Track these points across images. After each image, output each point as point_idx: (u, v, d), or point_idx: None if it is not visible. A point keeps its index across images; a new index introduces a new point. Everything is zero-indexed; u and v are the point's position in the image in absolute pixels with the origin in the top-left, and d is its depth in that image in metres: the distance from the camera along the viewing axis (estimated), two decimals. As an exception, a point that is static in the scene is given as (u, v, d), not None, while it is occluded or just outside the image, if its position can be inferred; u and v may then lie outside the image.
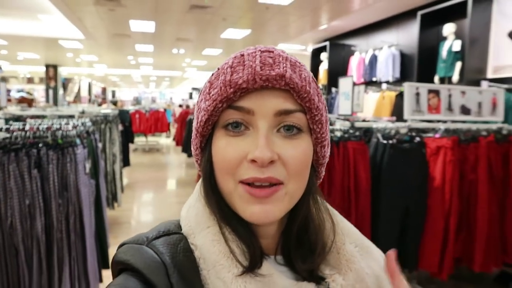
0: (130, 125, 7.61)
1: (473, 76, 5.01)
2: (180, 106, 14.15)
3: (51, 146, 1.90)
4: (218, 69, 0.53)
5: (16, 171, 1.79)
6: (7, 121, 2.60)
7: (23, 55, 13.57)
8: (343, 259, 0.56)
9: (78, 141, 2.02)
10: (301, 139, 0.52)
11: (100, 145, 2.77)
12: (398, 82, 6.49)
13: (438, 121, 2.94)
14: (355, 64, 7.63)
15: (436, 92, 2.97)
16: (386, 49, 6.81)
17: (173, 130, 14.16)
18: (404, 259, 2.56)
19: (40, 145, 1.89)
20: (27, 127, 1.96)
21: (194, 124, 0.56)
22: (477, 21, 4.96)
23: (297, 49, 10.49)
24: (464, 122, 3.01)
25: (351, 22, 7.66)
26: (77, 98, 20.68)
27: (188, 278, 0.48)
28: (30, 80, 22.21)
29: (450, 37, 5.37)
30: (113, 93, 30.27)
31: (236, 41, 9.74)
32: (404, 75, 6.56)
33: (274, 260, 0.55)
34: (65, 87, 18.70)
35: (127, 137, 6.71)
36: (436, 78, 5.54)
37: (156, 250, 0.49)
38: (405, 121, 2.81)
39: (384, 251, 0.56)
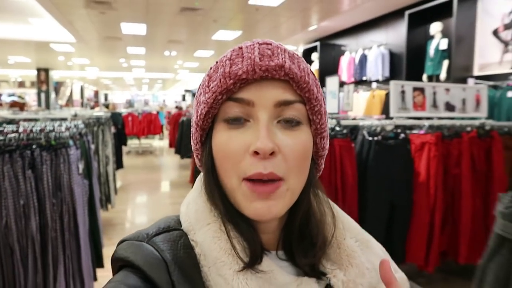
0: (123, 127, 7.63)
1: (460, 74, 5.11)
2: (177, 107, 14.14)
3: (45, 148, 1.95)
4: (217, 62, 0.54)
5: (10, 172, 1.84)
6: (0, 124, 2.64)
7: (14, 58, 13.49)
8: (344, 254, 0.56)
9: (71, 142, 2.07)
10: (301, 130, 0.52)
11: (93, 146, 2.81)
12: (388, 81, 6.57)
13: (428, 118, 3.02)
14: (345, 63, 7.72)
15: (421, 90, 3.05)
16: (376, 49, 6.90)
17: (166, 132, 14.18)
18: (391, 253, 2.60)
19: (34, 146, 1.93)
20: (20, 129, 2.01)
21: (194, 118, 0.56)
22: (462, 20, 5.06)
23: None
24: (452, 118, 3.09)
25: (340, 22, 7.75)
26: (69, 102, 20.61)
27: (189, 275, 0.48)
28: (21, 84, 22.08)
29: (437, 36, 5.47)
30: (106, 96, 30.19)
31: (227, 43, 9.79)
32: (394, 74, 6.65)
33: (276, 255, 0.55)
34: (56, 90, 18.62)
35: (120, 139, 6.73)
36: (424, 76, 5.64)
37: (157, 247, 0.49)
38: (392, 118, 2.89)
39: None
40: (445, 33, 5.39)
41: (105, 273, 2.66)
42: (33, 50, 11.43)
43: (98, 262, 2.52)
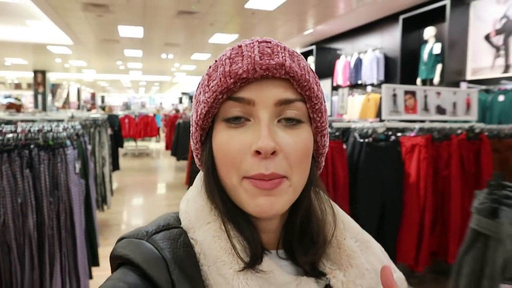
0: (120, 129, 7.66)
1: (453, 78, 5.18)
2: (176, 110, 14.16)
3: (43, 147, 1.99)
4: (216, 61, 0.53)
5: (8, 171, 1.88)
6: (-2, 124, 2.67)
7: (11, 60, 13.51)
8: (344, 254, 0.56)
9: (68, 142, 2.11)
10: (302, 129, 0.52)
11: (89, 147, 2.85)
12: (382, 84, 6.64)
13: (422, 121, 3.08)
14: (341, 67, 7.79)
15: (413, 93, 3.12)
16: (371, 52, 6.97)
17: (162, 134, 14.21)
18: (383, 253, 2.67)
19: (32, 146, 1.98)
20: (19, 130, 2.05)
21: (194, 117, 0.55)
22: (455, 25, 5.14)
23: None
24: (445, 121, 3.16)
25: (336, 26, 7.83)
26: (66, 104, 20.61)
27: (188, 274, 0.48)
28: (17, 86, 22.07)
29: (431, 40, 5.54)
30: (103, 98, 30.20)
31: (224, 46, 9.86)
32: (388, 78, 6.72)
33: (276, 254, 0.55)
34: (53, 93, 18.62)
35: (117, 141, 6.76)
36: (418, 80, 5.70)
37: (157, 245, 0.49)
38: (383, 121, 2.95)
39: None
40: (438, 38, 5.47)
41: (100, 273, 2.70)
42: (30, 52, 11.45)
43: (93, 260, 2.56)
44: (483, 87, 4.69)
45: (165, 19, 7.33)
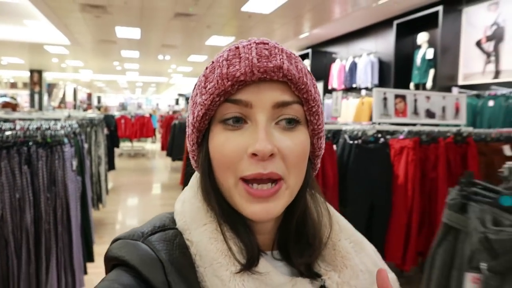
0: (116, 129, 7.70)
1: (445, 83, 5.28)
2: (174, 112, 14.17)
3: (41, 145, 2.06)
4: (213, 62, 0.53)
5: (7, 167, 1.94)
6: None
7: (7, 59, 13.52)
8: (339, 255, 0.56)
9: (66, 140, 2.17)
10: (299, 131, 0.51)
11: (86, 146, 2.91)
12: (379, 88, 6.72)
13: (414, 124, 3.16)
14: (336, 71, 7.88)
15: (403, 97, 3.20)
16: (365, 57, 7.06)
17: (158, 135, 14.25)
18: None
19: (30, 143, 2.04)
20: (17, 127, 2.11)
21: (190, 119, 0.55)
22: (447, 31, 5.24)
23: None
24: (437, 125, 3.24)
25: (332, 30, 7.92)
26: (62, 104, 20.60)
27: (185, 275, 0.48)
28: (13, 85, 22.03)
29: (424, 46, 5.64)
30: (99, 98, 30.16)
31: (221, 48, 9.90)
32: (382, 82, 6.81)
33: (271, 255, 0.55)
34: (49, 92, 18.62)
35: (113, 141, 6.81)
36: (412, 85, 5.80)
37: (153, 247, 0.49)
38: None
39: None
40: (431, 43, 5.57)
41: (96, 270, 2.75)
42: (27, 52, 11.47)
43: (88, 256, 2.62)
44: (474, 92, 4.78)
45: (162, 21, 7.40)
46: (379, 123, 3.02)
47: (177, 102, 21.44)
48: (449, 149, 2.82)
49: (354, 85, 7.33)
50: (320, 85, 3.91)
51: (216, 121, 0.51)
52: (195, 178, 0.58)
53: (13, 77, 20.43)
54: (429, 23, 5.54)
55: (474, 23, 5.12)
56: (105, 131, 5.20)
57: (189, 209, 0.54)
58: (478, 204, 1.16)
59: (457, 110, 3.43)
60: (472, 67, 5.16)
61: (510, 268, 1.04)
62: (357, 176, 2.63)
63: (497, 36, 4.81)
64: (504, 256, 1.04)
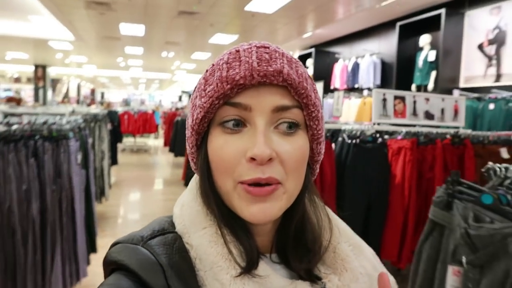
0: (119, 125, 7.78)
1: (447, 85, 5.32)
2: (176, 109, 14.24)
3: (47, 138, 2.12)
4: (213, 65, 0.52)
5: (14, 159, 2.00)
6: (5, 116, 2.80)
7: (12, 54, 13.59)
8: (339, 258, 0.56)
9: (71, 134, 2.24)
10: (298, 136, 0.51)
11: (90, 140, 2.98)
12: (379, 89, 6.75)
13: (413, 125, 3.20)
14: (338, 70, 7.91)
15: (402, 98, 3.25)
16: (368, 57, 7.09)
17: (161, 131, 14.31)
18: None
19: (37, 137, 2.11)
20: (24, 121, 2.18)
21: (189, 121, 0.55)
22: (450, 33, 5.27)
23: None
24: (437, 127, 3.28)
25: (335, 30, 7.95)
26: (66, 98, 20.69)
27: (185, 279, 0.47)
28: (17, 80, 22.15)
29: (426, 48, 5.67)
30: (102, 94, 30.26)
31: (224, 46, 9.97)
32: (385, 83, 6.84)
33: (270, 258, 0.55)
34: (53, 87, 18.71)
35: (116, 136, 6.89)
36: (413, 86, 5.83)
37: (153, 251, 0.48)
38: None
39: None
40: (433, 45, 5.60)
41: (98, 262, 2.82)
42: (32, 47, 11.54)
43: (91, 247, 2.69)
44: (476, 95, 4.82)
45: (166, 18, 7.45)
46: (378, 124, 3.08)
47: (180, 98, 21.50)
48: (446, 151, 2.87)
49: (356, 85, 7.36)
50: (322, 85, 3.95)
51: (215, 124, 0.51)
52: (194, 181, 0.58)
53: (17, 72, 20.53)
54: (431, 25, 5.57)
55: (476, 26, 5.15)
56: (109, 126, 5.27)
57: (188, 212, 0.54)
58: (462, 202, 1.22)
59: (456, 112, 3.47)
60: (473, 70, 5.20)
61: (488, 262, 1.09)
62: (355, 174, 2.69)
63: (499, 40, 4.84)
64: (483, 250, 1.10)
